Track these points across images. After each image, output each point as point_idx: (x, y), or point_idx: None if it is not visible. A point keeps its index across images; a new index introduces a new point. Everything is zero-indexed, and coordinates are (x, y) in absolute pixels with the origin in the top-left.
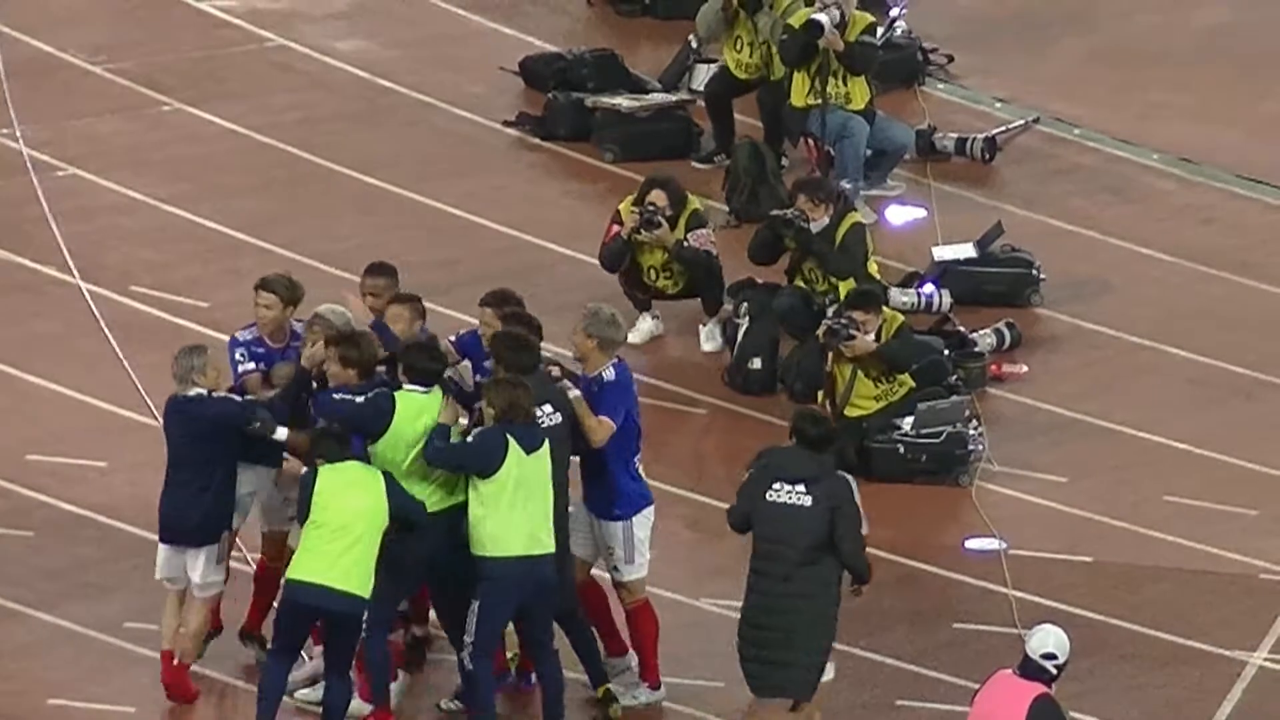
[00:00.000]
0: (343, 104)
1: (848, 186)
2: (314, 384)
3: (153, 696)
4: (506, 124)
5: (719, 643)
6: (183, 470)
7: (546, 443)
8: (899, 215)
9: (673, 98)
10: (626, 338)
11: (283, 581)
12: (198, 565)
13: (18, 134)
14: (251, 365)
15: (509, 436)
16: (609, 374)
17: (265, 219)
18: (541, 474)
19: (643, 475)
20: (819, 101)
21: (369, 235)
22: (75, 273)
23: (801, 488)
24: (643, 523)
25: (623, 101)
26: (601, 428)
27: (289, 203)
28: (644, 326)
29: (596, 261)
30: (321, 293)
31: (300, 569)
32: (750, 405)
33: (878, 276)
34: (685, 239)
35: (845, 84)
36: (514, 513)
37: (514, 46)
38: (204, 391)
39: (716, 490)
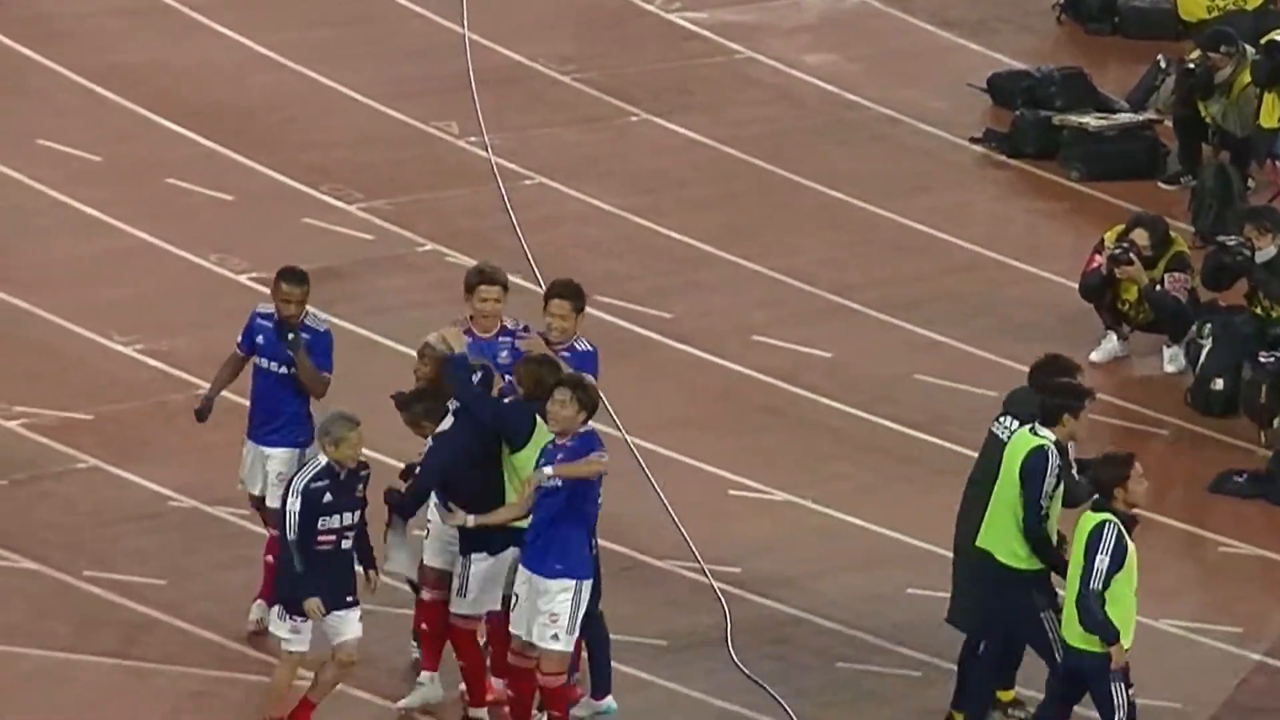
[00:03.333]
0: (808, 117)
1: None
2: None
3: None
4: (973, 140)
5: (1177, 664)
6: None
7: None
8: None
9: (1140, 117)
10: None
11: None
12: None
13: (486, 142)
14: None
15: (536, 416)
16: None
17: (728, 231)
18: None
19: None
20: None
21: (831, 250)
22: (540, 281)
23: None
24: None
25: (1090, 120)
26: None
27: (752, 215)
28: (1108, 346)
29: (1057, 280)
30: (787, 304)
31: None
32: (1212, 426)
33: None
34: (1162, 280)
35: None
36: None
37: (981, 63)
38: (322, 462)
39: (1177, 511)
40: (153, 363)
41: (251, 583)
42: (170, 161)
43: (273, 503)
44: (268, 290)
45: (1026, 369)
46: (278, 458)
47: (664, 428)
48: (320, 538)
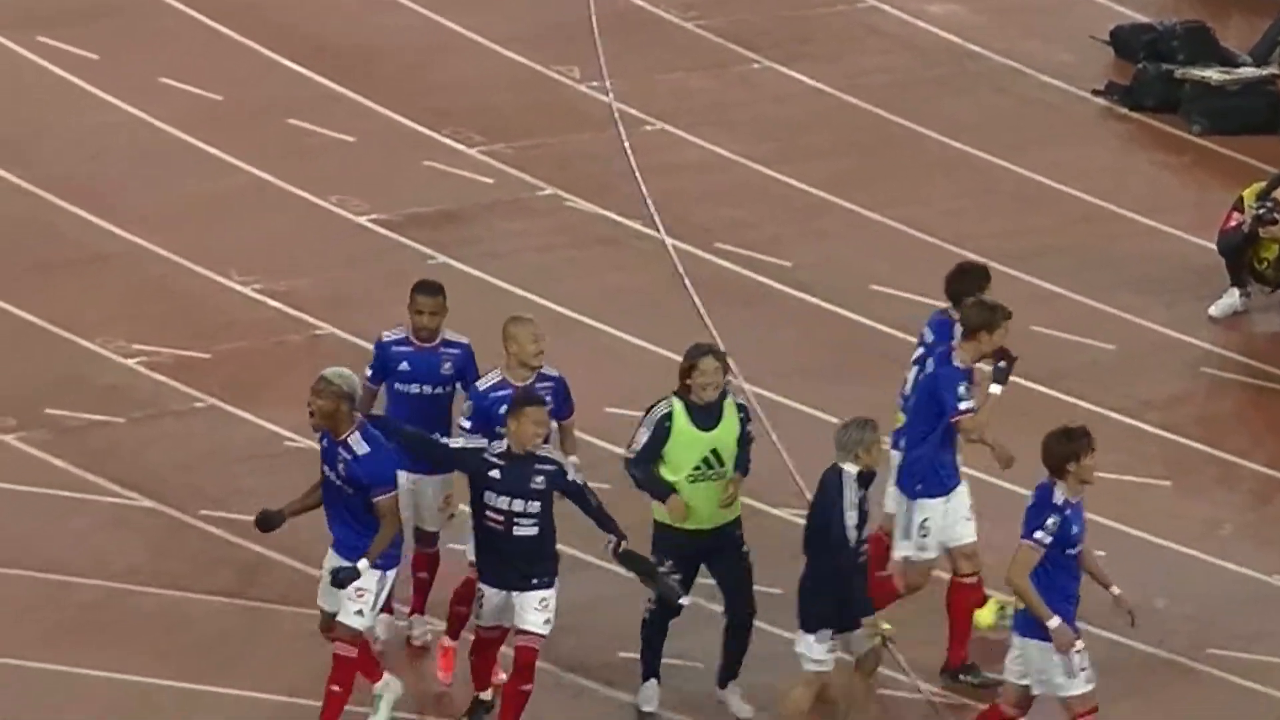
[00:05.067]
0: (930, 67)
1: None
2: None
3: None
4: (1095, 93)
5: None
6: None
7: None
8: None
9: (1263, 72)
10: None
11: None
12: None
13: (608, 87)
14: None
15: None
16: None
17: (849, 180)
18: None
19: None
20: None
21: (952, 200)
22: (660, 228)
23: None
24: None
25: (1212, 74)
26: None
27: (873, 165)
28: (1227, 301)
29: (1177, 233)
30: (906, 254)
31: None
32: None
33: None
34: None
35: None
36: None
37: (1105, 15)
38: (852, 470)
39: None
40: (272, 303)
41: None
42: (292, 102)
43: (432, 526)
44: (386, 232)
45: (1144, 322)
46: (438, 482)
47: (782, 376)
48: None
